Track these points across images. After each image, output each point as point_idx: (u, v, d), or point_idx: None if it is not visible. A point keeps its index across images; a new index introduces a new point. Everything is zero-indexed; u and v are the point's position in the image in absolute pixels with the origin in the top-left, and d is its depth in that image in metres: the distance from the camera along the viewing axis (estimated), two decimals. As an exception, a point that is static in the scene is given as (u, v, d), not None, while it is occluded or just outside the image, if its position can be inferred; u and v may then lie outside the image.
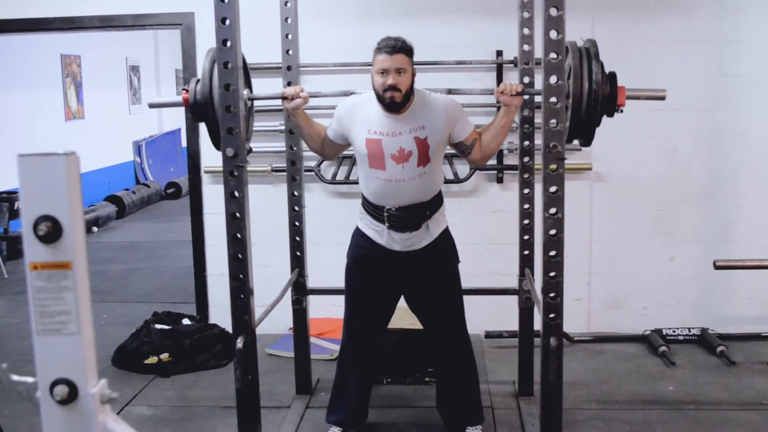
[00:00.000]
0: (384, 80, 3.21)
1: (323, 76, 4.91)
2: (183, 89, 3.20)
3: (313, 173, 4.90)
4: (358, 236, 3.53)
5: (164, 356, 4.59)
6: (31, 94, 8.97)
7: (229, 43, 2.90)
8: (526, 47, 3.80)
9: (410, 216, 3.35)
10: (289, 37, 3.90)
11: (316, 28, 4.72)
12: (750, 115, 4.84)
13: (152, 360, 4.58)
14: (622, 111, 3.04)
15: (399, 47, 3.24)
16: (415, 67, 3.33)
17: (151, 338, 4.69)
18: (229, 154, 2.96)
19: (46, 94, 9.46)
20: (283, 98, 3.38)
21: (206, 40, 4.65)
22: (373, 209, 3.41)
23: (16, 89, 8.66)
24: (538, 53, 2.96)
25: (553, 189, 2.85)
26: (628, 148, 4.91)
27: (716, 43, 4.79)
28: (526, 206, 3.88)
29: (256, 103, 4.65)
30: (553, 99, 2.80)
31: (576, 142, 3.21)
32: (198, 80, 3.14)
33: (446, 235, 3.51)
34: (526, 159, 3.87)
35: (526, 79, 3.81)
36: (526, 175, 3.88)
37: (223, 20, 2.89)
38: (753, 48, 4.78)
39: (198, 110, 3.14)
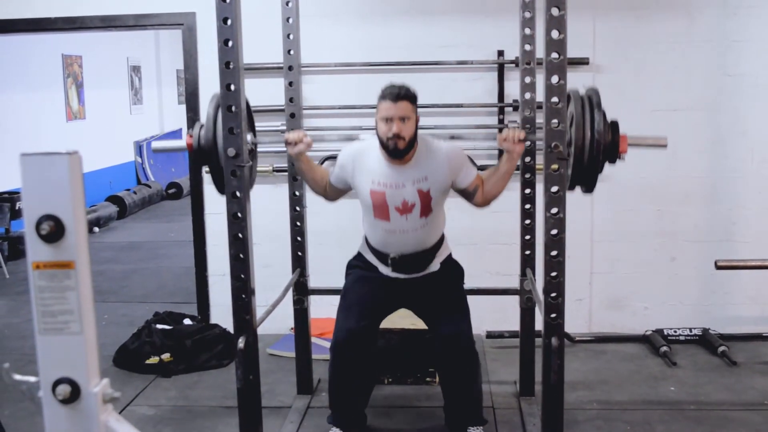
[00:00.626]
0: (388, 128, 3.26)
1: (324, 76, 4.91)
2: (188, 134, 3.20)
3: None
4: (361, 260, 3.64)
5: (165, 356, 4.59)
6: (32, 94, 8.98)
7: (230, 43, 2.90)
8: (527, 47, 3.80)
9: (414, 261, 3.48)
10: (291, 37, 3.90)
11: (318, 27, 4.72)
12: (751, 115, 4.83)
13: (153, 360, 4.58)
14: (623, 158, 3.06)
15: (403, 95, 3.27)
16: (419, 115, 3.38)
17: (153, 338, 4.69)
18: (230, 154, 2.96)
19: (48, 95, 9.46)
20: (287, 143, 3.40)
21: (208, 40, 4.67)
22: (376, 253, 3.54)
23: (17, 89, 8.66)
24: (540, 53, 2.96)
25: (554, 189, 2.85)
26: (630, 148, 4.89)
27: (718, 43, 4.79)
28: (528, 206, 3.88)
29: (256, 102, 4.67)
30: (555, 99, 2.80)
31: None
32: (202, 125, 3.15)
33: (449, 260, 3.63)
34: (527, 159, 3.87)
35: (528, 79, 3.81)
36: (527, 175, 3.88)
37: (225, 20, 2.89)
38: (755, 48, 4.77)
39: (202, 155, 3.15)
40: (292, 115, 3.96)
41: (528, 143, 3.66)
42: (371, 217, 3.47)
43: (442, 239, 3.58)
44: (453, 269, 3.63)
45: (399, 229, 3.42)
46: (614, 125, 3.02)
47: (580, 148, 2.94)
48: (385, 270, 3.54)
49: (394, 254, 3.46)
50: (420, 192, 3.37)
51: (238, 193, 2.99)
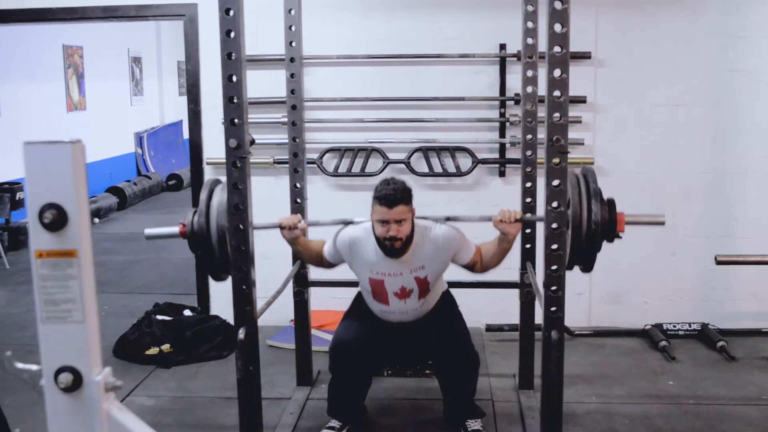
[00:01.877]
0: (385, 230, 3.30)
1: (326, 68, 4.91)
2: (181, 223, 3.21)
3: (315, 165, 4.90)
4: (361, 299, 3.73)
5: (165, 347, 4.59)
6: (33, 85, 8.97)
7: (232, 34, 2.89)
8: (530, 41, 3.79)
9: (412, 324, 3.60)
10: (293, 28, 3.90)
11: (320, 19, 4.71)
12: (754, 111, 4.83)
13: (153, 351, 4.58)
14: (621, 237, 3.09)
15: (399, 199, 3.27)
16: (414, 210, 3.39)
17: (153, 329, 4.70)
18: (231, 145, 2.96)
19: (48, 85, 9.46)
20: (281, 228, 3.44)
21: (209, 31, 4.66)
22: (376, 316, 3.65)
23: (18, 80, 8.65)
24: (542, 47, 2.96)
25: (555, 182, 2.85)
26: (631, 142, 4.90)
27: (721, 39, 4.78)
28: (529, 200, 3.88)
29: (258, 94, 4.67)
30: (557, 92, 2.80)
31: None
32: (195, 211, 3.18)
33: (446, 295, 3.71)
34: (528, 153, 3.87)
35: (530, 73, 3.81)
36: (528, 169, 3.88)
37: (227, 11, 2.88)
38: (758, 43, 4.77)
39: (195, 241, 3.17)
40: (294, 107, 3.95)
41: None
42: (370, 297, 3.58)
43: (438, 296, 3.67)
44: (445, 300, 3.70)
45: (398, 310, 3.53)
46: (611, 204, 3.06)
47: (577, 229, 2.98)
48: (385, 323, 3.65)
49: (393, 322, 3.59)
50: (417, 279, 3.45)
51: (239, 185, 2.99)
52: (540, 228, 3.10)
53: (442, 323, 3.58)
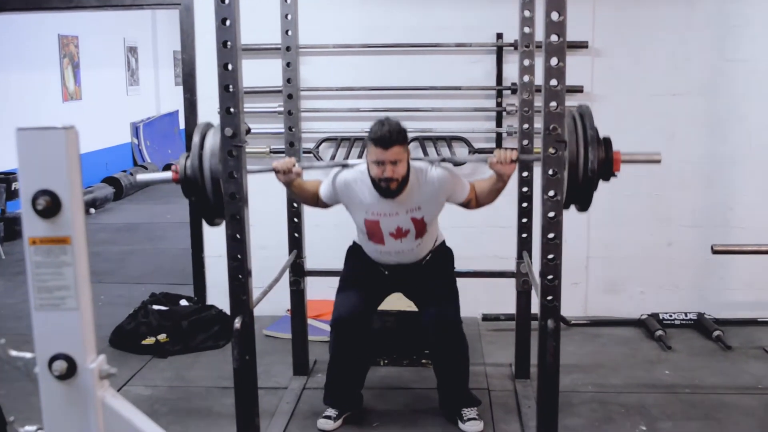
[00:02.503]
0: (380, 171, 3.30)
1: (322, 57, 4.89)
2: (173, 169, 3.17)
3: (311, 155, 4.89)
4: (360, 251, 3.71)
5: (162, 337, 4.59)
6: (28, 74, 8.93)
7: (228, 22, 2.88)
8: (526, 30, 3.78)
9: (408, 267, 3.61)
10: (289, 17, 3.88)
11: (316, 8, 4.69)
12: (750, 100, 4.83)
13: (150, 341, 4.58)
14: (616, 176, 3.06)
15: (394, 140, 3.26)
16: (409, 152, 3.41)
17: (149, 319, 4.70)
18: (227, 134, 2.94)
19: (44, 75, 9.42)
20: (276, 172, 3.40)
21: (205, 20, 4.64)
22: (372, 259, 3.65)
23: (13, 70, 8.61)
24: (539, 36, 2.95)
25: (552, 172, 2.85)
26: (627, 132, 4.86)
27: (717, 28, 4.77)
28: (525, 189, 3.88)
29: (255, 84, 4.66)
30: (554, 81, 2.79)
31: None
32: (187, 156, 3.13)
33: (442, 246, 3.73)
34: (525, 142, 3.86)
35: (527, 62, 3.80)
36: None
37: (223, -1, 2.87)
38: (754, 33, 4.76)
39: (188, 185, 3.13)
40: (290, 96, 3.94)
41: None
42: (366, 238, 3.57)
43: (435, 241, 3.68)
44: (444, 254, 3.72)
45: (394, 250, 3.54)
46: (607, 142, 3.03)
47: (574, 166, 2.95)
48: (381, 268, 3.66)
49: (390, 265, 3.61)
50: (414, 219, 3.46)
51: (235, 173, 2.98)
52: (537, 217, 3.09)
53: (434, 294, 3.57)
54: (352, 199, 3.51)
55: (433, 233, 3.62)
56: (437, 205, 3.51)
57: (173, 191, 11.14)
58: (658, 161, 3.20)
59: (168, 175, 3.18)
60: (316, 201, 3.64)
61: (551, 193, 2.86)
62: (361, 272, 3.67)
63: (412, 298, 3.73)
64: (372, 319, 3.75)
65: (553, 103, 2.80)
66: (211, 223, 3.28)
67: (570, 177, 2.96)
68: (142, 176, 3.43)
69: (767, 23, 4.75)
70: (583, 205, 3.12)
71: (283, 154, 4.10)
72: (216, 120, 3.11)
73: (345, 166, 3.58)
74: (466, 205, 3.57)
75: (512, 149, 3.39)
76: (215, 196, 3.07)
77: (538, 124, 3.03)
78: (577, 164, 2.94)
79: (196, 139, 3.12)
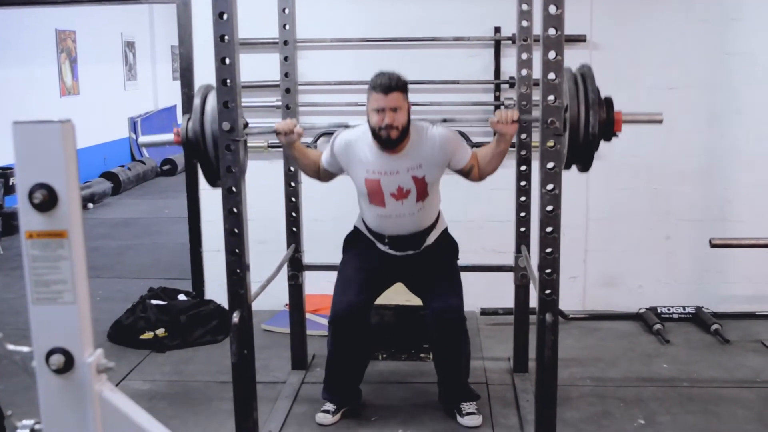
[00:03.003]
0: (380, 118, 3.25)
1: (320, 51, 4.88)
2: (175, 130, 3.16)
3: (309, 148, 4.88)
4: (358, 234, 3.66)
5: (160, 332, 4.59)
6: (25, 69, 8.91)
7: (225, 16, 2.87)
8: (524, 23, 3.77)
9: (410, 241, 3.52)
10: (286, 11, 3.88)
11: (313, 2, 4.68)
12: (748, 94, 4.82)
13: (148, 335, 4.58)
14: (618, 136, 3.04)
15: (394, 86, 3.24)
16: (410, 104, 3.36)
17: (147, 314, 4.69)
18: (225, 128, 2.94)
19: (41, 70, 9.40)
20: (276, 133, 3.34)
21: (202, 15, 4.63)
22: (372, 232, 3.57)
23: (10, 64, 8.60)
24: (537, 29, 2.94)
25: (550, 165, 2.85)
26: (625, 126, 4.88)
27: (715, 22, 4.77)
28: (523, 183, 3.88)
29: (252, 78, 4.65)
30: (552, 75, 2.79)
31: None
32: (189, 118, 3.12)
33: (445, 235, 3.66)
34: (523, 136, 3.86)
35: (524, 56, 3.79)
36: (523, 152, 3.87)
37: (220, -7, 2.86)
38: (752, 26, 4.76)
39: (190, 147, 3.12)
40: (288, 90, 3.94)
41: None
42: (367, 202, 3.49)
43: (437, 218, 3.60)
44: (447, 244, 3.67)
45: (395, 213, 3.45)
46: (608, 102, 3.00)
47: (575, 126, 2.92)
48: (381, 246, 3.58)
49: (391, 234, 3.50)
50: (415, 178, 3.39)
51: (232, 168, 2.98)
52: (535, 211, 3.09)
53: (438, 287, 3.53)
54: (352, 159, 3.45)
55: (434, 203, 3.54)
56: (438, 166, 3.42)
57: (171, 186, 11.17)
58: (660, 121, 3.18)
59: (170, 137, 3.18)
60: (318, 170, 3.60)
61: (549, 186, 2.86)
62: (360, 264, 3.60)
63: (416, 290, 3.69)
64: (371, 314, 3.71)
65: (551, 97, 2.80)
66: (214, 185, 3.24)
67: (571, 137, 2.94)
68: (144, 138, 3.42)
69: (765, 16, 4.75)
70: (585, 166, 3.09)
71: (280, 149, 4.09)
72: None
73: (346, 126, 3.55)
74: (468, 172, 3.47)
75: (513, 109, 3.35)
76: (217, 158, 3.06)
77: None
78: (578, 124, 2.92)
79: (197, 101, 3.11)
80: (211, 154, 3.07)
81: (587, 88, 2.96)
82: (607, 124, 2.97)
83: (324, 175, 3.62)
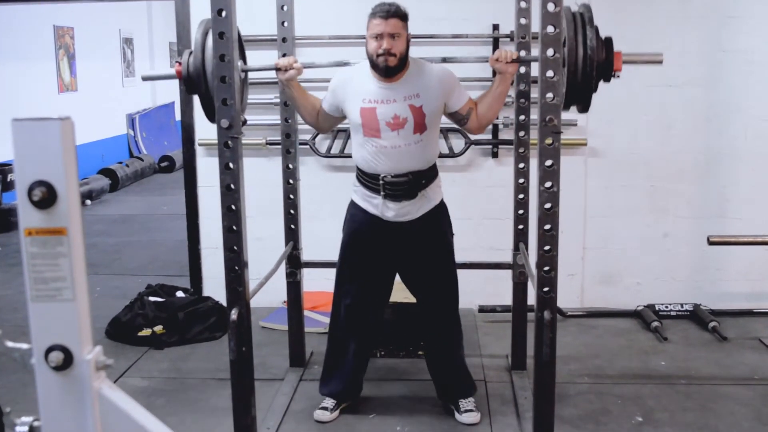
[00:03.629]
0: (378, 44, 3.23)
1: (318, 48, 4.88)
2: (176, 62, 3.16)
3: (307, 146, 4.88)
4: (353, 209, 3.55)
5: (158, 328, 4.59)
6: (23, 65, 8.91)
7: (224, 13, 2.87)
8: (522, 21, 3.78)
9: (406, 184, 3.35)
10: (285, 8, 3.88)
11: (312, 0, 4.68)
12: (746, 91, 4.83)
13: (146, 332, 4.58)
14: (618, 76, 3.00)
15: (393, 12, 3.23)
16: (410, 34, 3.35)
17: (145, 310, 4.70)
18: (223, 126, 2.94)
19: (39, 66, 9.39)
20: (277, 69, 3.36)
21: (201, 12, 4.62)
22: (367, 179, 3.42)
23: (8, 61, 8.59)
24: (535, 27, 2.94)
25: (548, 163, 2.85)
26: (624, 123, 4.90)
27: (714, 19, 4.77)
28: (522, 181, 3.88)
29: (250, 75, 4.64)
30: (550, 72, 2.79)
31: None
32: (191, 52, 3.10)
33: (441, 207, 3.53)
34: (521, 133, 3.86)
35: (523, 53, 3.79)
36: (521, 150, 3.87)
37: (218, -10, 2.86)
38: (750, 24, 4.76)
39: (191, 83, 3.11)
40: (286, 88, 3.93)
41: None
42: (361, 136, 3.38)
43: (435, 169, 3.48)
44: (443, 222, 3.55)
45: (391, 144, 3.32)
46: (608, 42, 2.97)
47: (573, 65, 2.90)
48: (378, 208, 3.42)
49: (385, 173, 3.35)
50: (412, 107, 3.30)
51: (231, 165, 2.98)
52: (533, 208, 3.10)
53: (431, 279, 3.53)
54: (349, 92, 3.40)
55: (432, 143, 3.42)
56: (436, 97, 3.34)
57: (169, 183, 11.16)
58: (660, 62, 3.16)
59: (172, 71, 3.18)
60: (317, 115, 3.55)
61: (548, 184, 2.86)
62: (358, 255, 3.54)
63: (409, 280, 3.65)
64: (374, 311, 3.68)
65: (550, 95, 2.80)
66: (213, 120, 3.19)
67: (569, 77, 2.91)
68: (147, 73, 3.45)
69: (764, 14, 4.75)
70: (584, 106, 3.06)
71: (279, 145, 4.09)
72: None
73: (346, 64, 3.55)
74: (466, 118, 3.41)
75: (512, 51, 3.32)
76: None
77: (534, 115, 3.03)
78: (576, 63, 2.89)
79: (197, 35, 3.08)
80: (212, 89, 3.03)
81: (586, 27, 2.92)
82: (607, 63, 2.94)
83: (323, 119, 3.58)
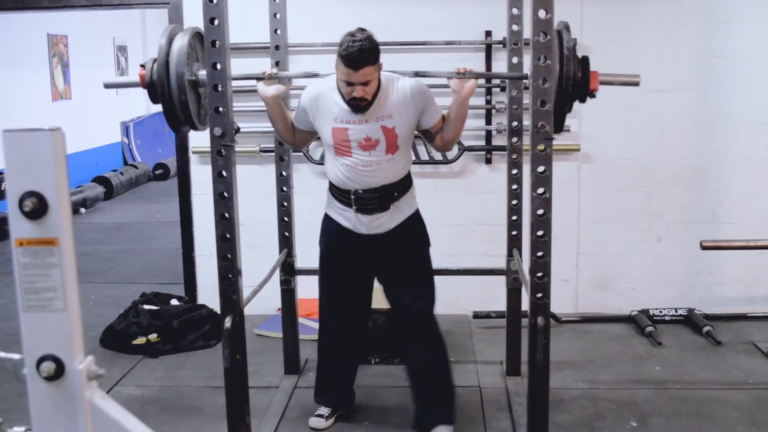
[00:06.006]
0: (350, 91, 3.11)
1: (311, 56, 4.89)
2: (140, 66, 3.11)
3: (301, 153, 4.89)
4: (326, 222, 3.50)
5: (152, 337, 4.59)
6: (17, 73, 8.90)
7: (216, 22, 2.88)
8: (514, 27, 3.79)
9: (378, 198, 3.29)
10: (278, 16, 3.89)
11: (304, 7, 4.68)
12: (738, 96, 4.85)
13: (141, 340, 4.58)
14: (594, 96, 2.98)
15: (365, 59, 3.04)
16: (381, 64, 3.17)
17: (140, 319, 4.69)
18: (216, 134, 2.94)
19: (33, 74, 9.39)
20: (259, 79, 3.31)
21: (194, 19, 4.63)
22: (339, 193, 3.35)
23: (1, 69, 8.58)
24: (527, 33, 2.95)
25: (541, 169, 2.85)
26: (616, 129, 4.92)
27: (705, 25, 4.79)
28: (515, 187, 3.88)
29: (243, 83, 4.64)
30: (542, 80, 2.80)
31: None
32: (155, 59, 3.05)
33: (415, 218, 3.43)
34: (514, 139, 3.87)
35: (515, 60, 3.81)
36: (514, 156, 3.88)
37: (211, -2, 2.87)
38: (741, 29, 4.78)
39: (154, 91, 3.07)
40: (279, 95, 3.93)
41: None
42: (332, 154, 3.30)
43: (408, 180, 3.40)
44: (417, 233, 3.46)
45: (362, 164, 3.24)
46: (585, 61, 2.96)
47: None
48: (350, 221, 3.35)
49: (357, 189, 3.28)
50: (384, 129, 3.20)
51: (224, 173, 2.98)
52: (526, 214, 3.10)
53: (404, 281, 3.43)
54: (321, 110, 3.27)
55: (405, 161, 3.34)
56: (409, 118, 3.23)
57: (163, 190, 11.14)
58: (637, 83, 3.13)
59: (135, 78, 3.12)
60: (293, 131, 3.45)
61: (540, 190, 2.86)
62: (340, 271, 3.50)
63: (386, 288, 3.52)
64: (365, 324, 3.71)
65: (542, 101, 2.80)
66: (177, 131, 3.20)
67: None
68: (108, 80, 3.35)
69: (753, 19, 4.77)
70: (557, 127, 2.97)
71: (273, 153, 4.09)
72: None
73: (316, 75, 3.41)
74: (434, 136, 3.34)
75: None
76: (181, 103, 3.02)
77: (527, 121, 3.03)
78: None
79: (162, 41, 3.02)
80: (175, 98, 3.00)
81: (563, 46, 2.90)
82: (583, 83, 2.92)
83: (299, 136, 3.47)
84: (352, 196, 3.29)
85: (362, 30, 3.15)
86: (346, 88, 3.13)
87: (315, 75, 3.42)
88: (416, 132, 3.40)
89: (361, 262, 3.46)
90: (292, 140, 3.51)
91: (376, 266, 3.47)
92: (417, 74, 3.32)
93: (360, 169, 3.25)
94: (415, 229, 3.44)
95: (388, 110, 3.21)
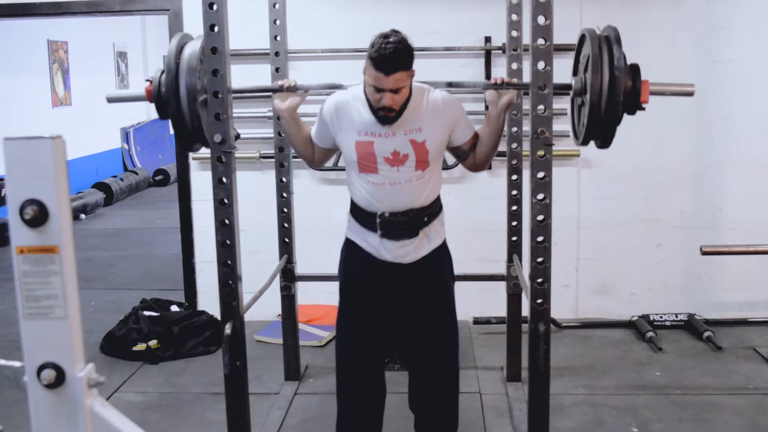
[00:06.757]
0: (379, 97, 2.82)
1: (311, 62, 4.90)
2: (147, 81, 2.96)
3: (301, 160, 4.87)
4: (347, 249, 3.18)
5: (153, 343, 4.58)
6: (17, 80, 8.91)
7: (216, 28, 2.88)
8: (514, 33, 3.80)
9: (406, 222, 2.98)
10: (277, 22, 3.89)
11: (304, 13, 4.70)
12: (737, 101, 4.85)
13: (141, 347, 4.57)
14: (644, 109, 2.78)
15: (398, 64, 2.77)
16: (413, 70, 2.91)
17: (140, 325, 4.69)
18: (216, 140, 2.94)
19: (33, 81, 9.40)
20: (275, 90, 3.12)
21: (194, 26, 4.63)
22: (363, 216, 3.04)
23: (2, 75, 8.59)
24: (527, 39, 2.96)
25: (541, 175, 2.85)
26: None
27: (704, 30, 4.80)
28: (515, 192, 3.89)
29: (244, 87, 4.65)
30: (541, 85, 2.80)
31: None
32: (162, 71, 2.88)
33: (443, 249, 3.16)
34: (514, 145, 3.88)
35: (514, 65, 3.82)
36: (514, 162, 3.88)
37: (211, 5, 2.87)
38: (739, 34, 4.79)
39: (162, 105, 2.94)
40: (279, 101, 3.93)
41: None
42: (356, 171, 2.99)
43: (438, 204, 3.12)
44: (446, 269, 3.19)
45: (389, 181, 2.93)
46: (635, 68, 2.78)
47: (597, 93, 2.70)
48: (373, 242, 3.02)
49: (383, 211, 2.96)
50: (414, 142, 2.91)
51: (224, 179, 2.98)
52: (526, 220, 3.10)
53: (428, 335, 3.12)
54: (343, 122, 2.98)
55: (435, 180, 3.04)
56: (440, 131, 2.96)
57: (163, 196, 11.13)
58: (691, 93, 2.94)
59: (141, 92, 2.97)
60: (312, 148, 3.18)
61: (540, 196, 2.86)
62: (362, 307, 3.14)
63: (406, 334, 3.20)
64: (381, 365, 3.32)
65: (541, 107, 2.81)
66: (189, 149, 2.96)
67: (591, 106, 2.71)
68: (111, 94, 3.13)
69: (752, 24, 4.78)
70: (604, 141, 2.86)
71: (272, 159, 4.10)
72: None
73: (339, 87, 3.15)
74: (467, 155, 3.07)
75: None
76: (191, 118, 2.85)
77: (527, 127, 3.03)
78: (601, 93, 2.70)
79: (171, 47, 2.86)
80: (186, 113, 2.85)
81: (612, 51, 2.74)
82: (633, 93, 2.75)
83: (318, 153, 3.19)
84: (378, 220, 2.98)
85: (396, 32, 2.88)
86: (374, 95, 2.83)
87: (339, 86, 3.18)
88: (447, 149, 3.14)
89: (384, 295, 3.11)
90: (311, 157, 3.22)
91: (399, 301, 3.12)
92: (450, 84, 3.15)
93: (388, 187, 2.95)
94: (442, 264, 3.16)
95: (418, 123, 2.93)
